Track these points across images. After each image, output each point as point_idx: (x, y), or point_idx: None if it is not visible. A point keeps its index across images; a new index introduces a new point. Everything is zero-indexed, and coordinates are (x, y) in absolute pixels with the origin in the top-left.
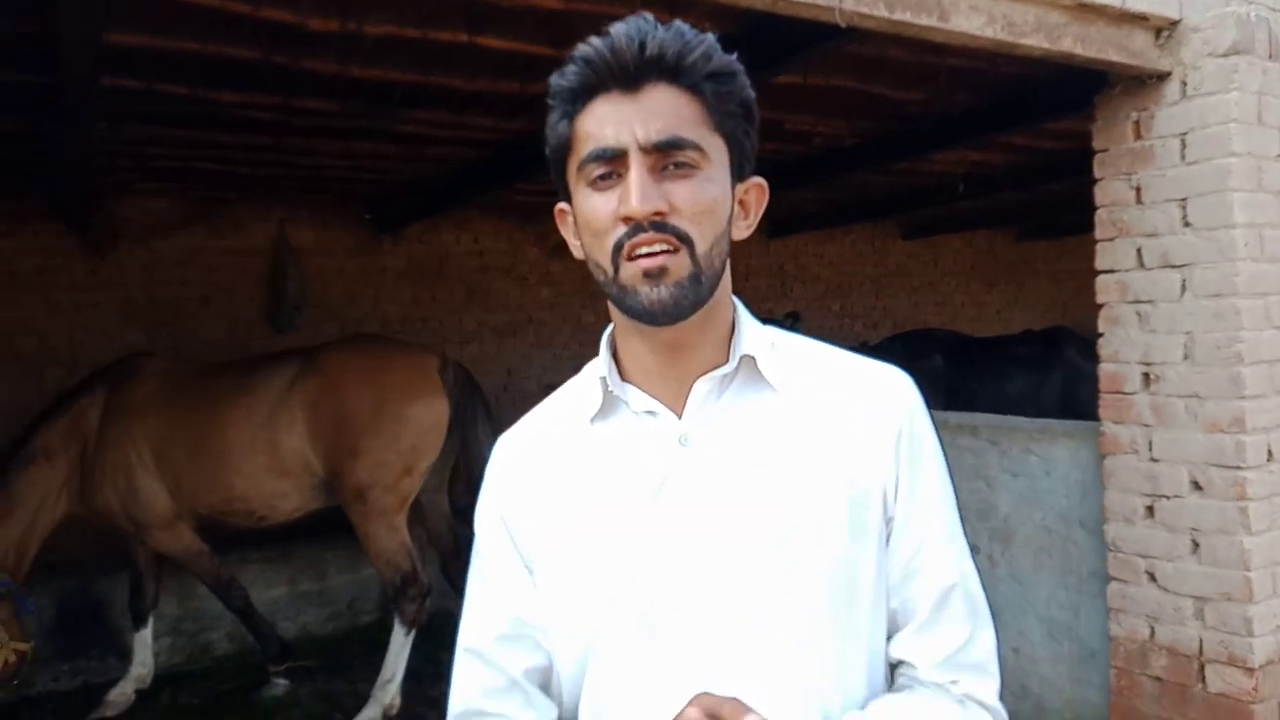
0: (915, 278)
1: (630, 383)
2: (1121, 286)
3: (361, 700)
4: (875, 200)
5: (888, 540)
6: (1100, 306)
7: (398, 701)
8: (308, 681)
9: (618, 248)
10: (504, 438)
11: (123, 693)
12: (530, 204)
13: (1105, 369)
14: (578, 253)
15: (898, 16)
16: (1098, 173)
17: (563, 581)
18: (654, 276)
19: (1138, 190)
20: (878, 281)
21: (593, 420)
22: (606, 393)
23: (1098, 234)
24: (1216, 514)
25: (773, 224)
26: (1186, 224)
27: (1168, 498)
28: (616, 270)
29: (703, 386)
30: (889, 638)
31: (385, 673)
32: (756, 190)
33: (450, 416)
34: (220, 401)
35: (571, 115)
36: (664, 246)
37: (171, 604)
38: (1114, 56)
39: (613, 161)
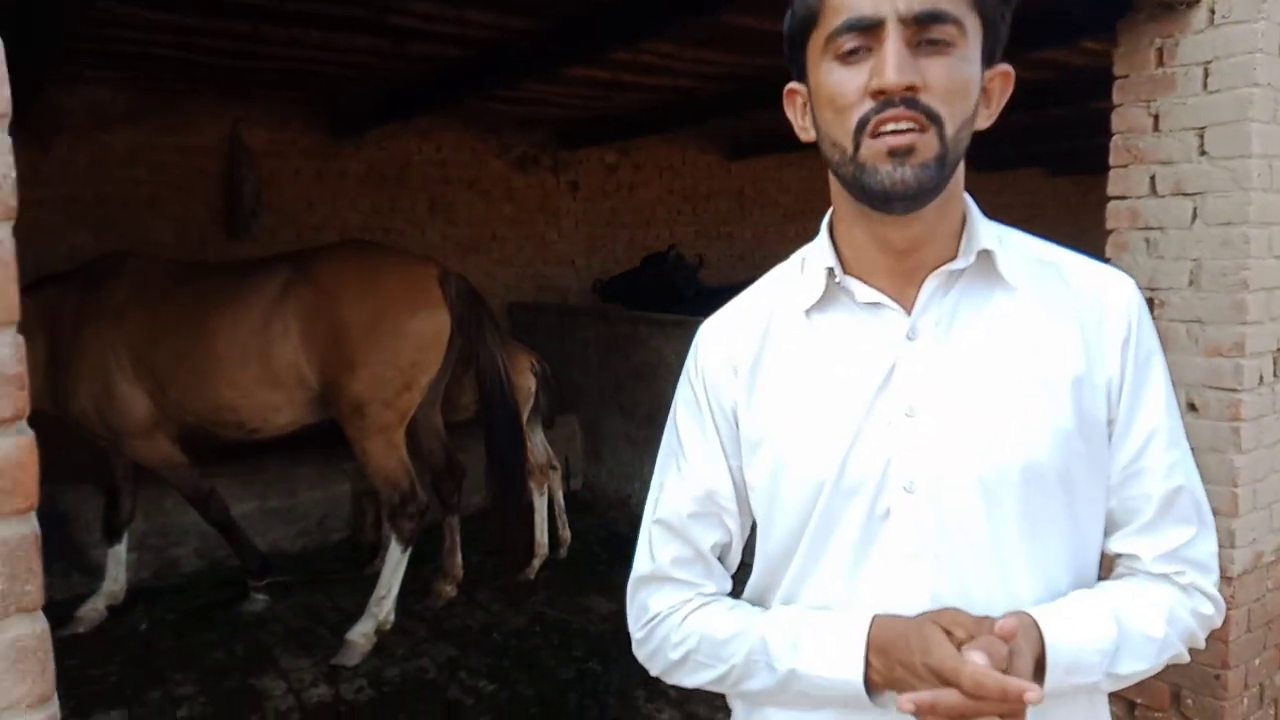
0: None
1: (850, 274)
2: (1132, 213)
3: (343, 614)
4: None
5: (1109, 440)
6: (1109, 233)
7: (391, 617)
8: (286, 597)
9: (862, 124)
10: (710, 322)
11: (94, 608)
12: (496, 113)
13: None
14: (804, 135)
15: None
16: (1116, 99)
17: (783, 465)
18: (899, 155)
19: (1156, 118)
20: None
21: (809, 311)
22: (831, 282)
23: (1111, 160)
24: (1210, 433)
25: (733, 146)
26: (1203, 152)
27: None
28: (857, 148)
29: (934, 280)
30: (1107, 536)
31: (380, 589)
32: (1001, 79)
33: (451, 330)
34: (208, 306)
35: None
36: (912, 125)
37: (137, 519)
38: None
39: (867, 33)
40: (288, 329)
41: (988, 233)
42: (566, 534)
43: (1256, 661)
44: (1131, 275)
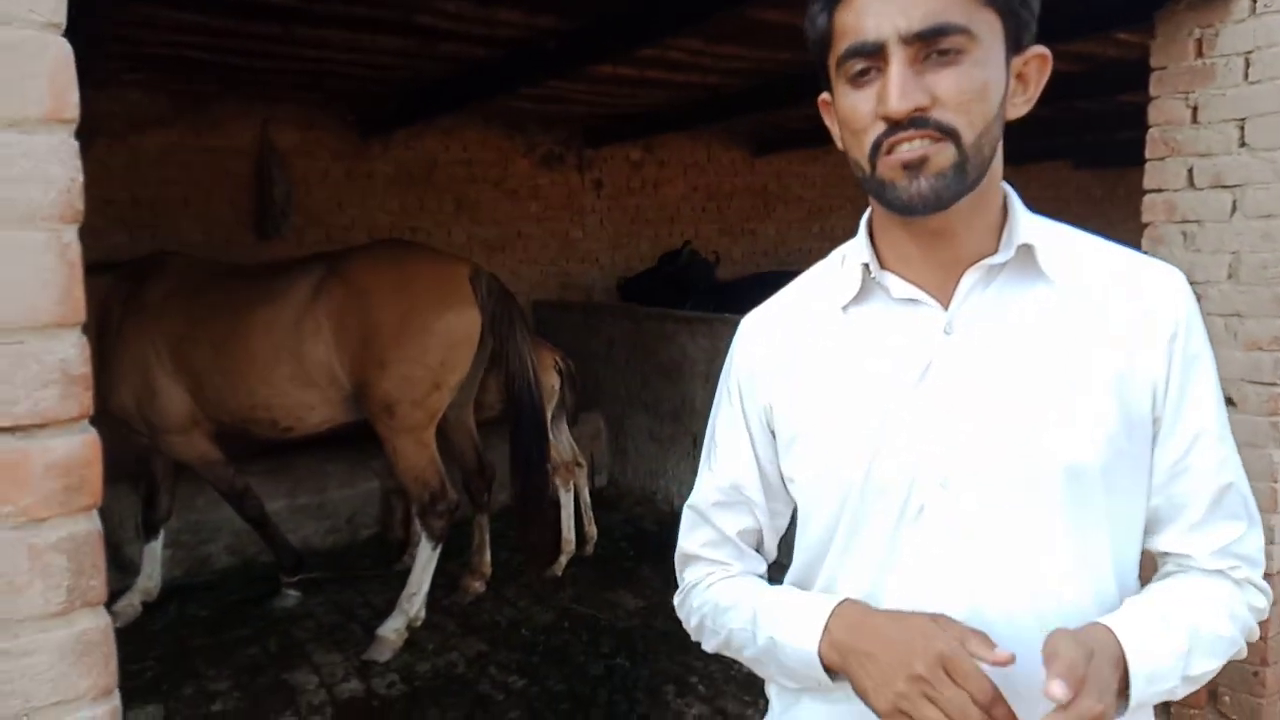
0: None
1: (888, 270)
2: (1169, 206)
3: (375, 611)
4: None
5: (1154, 437)
6: (1145, 226)
7: (422, 614)
8: (317, 593)
9: (876, 146)
10: (750, 318)
11: (129, 604)
12: (521, 111)
13: None
14: (840, 144)
15: None
16: (1153, 91)
17: (816, 457)
18: (913, 168)
19: (1194, 109)
20: (858, 204)
21: (846, 307)
22: (867, 278)
23: (1148, 153)
24: (1249, 428)
25: (757, 142)
26: (1243, 144)
27: None
28: (874, 167)
29: (972, 275)
30: (1151, 534)
31: (411, 586)
32: (1038, 62)
33: (482, 329)
34: (244, 305)
35: (831, 7)
36: (925, 142)
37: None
38: None
39: (872, 56)
40: (320, 327)
41: (1030, 226)
42: (593, 530)
43: None
44: None
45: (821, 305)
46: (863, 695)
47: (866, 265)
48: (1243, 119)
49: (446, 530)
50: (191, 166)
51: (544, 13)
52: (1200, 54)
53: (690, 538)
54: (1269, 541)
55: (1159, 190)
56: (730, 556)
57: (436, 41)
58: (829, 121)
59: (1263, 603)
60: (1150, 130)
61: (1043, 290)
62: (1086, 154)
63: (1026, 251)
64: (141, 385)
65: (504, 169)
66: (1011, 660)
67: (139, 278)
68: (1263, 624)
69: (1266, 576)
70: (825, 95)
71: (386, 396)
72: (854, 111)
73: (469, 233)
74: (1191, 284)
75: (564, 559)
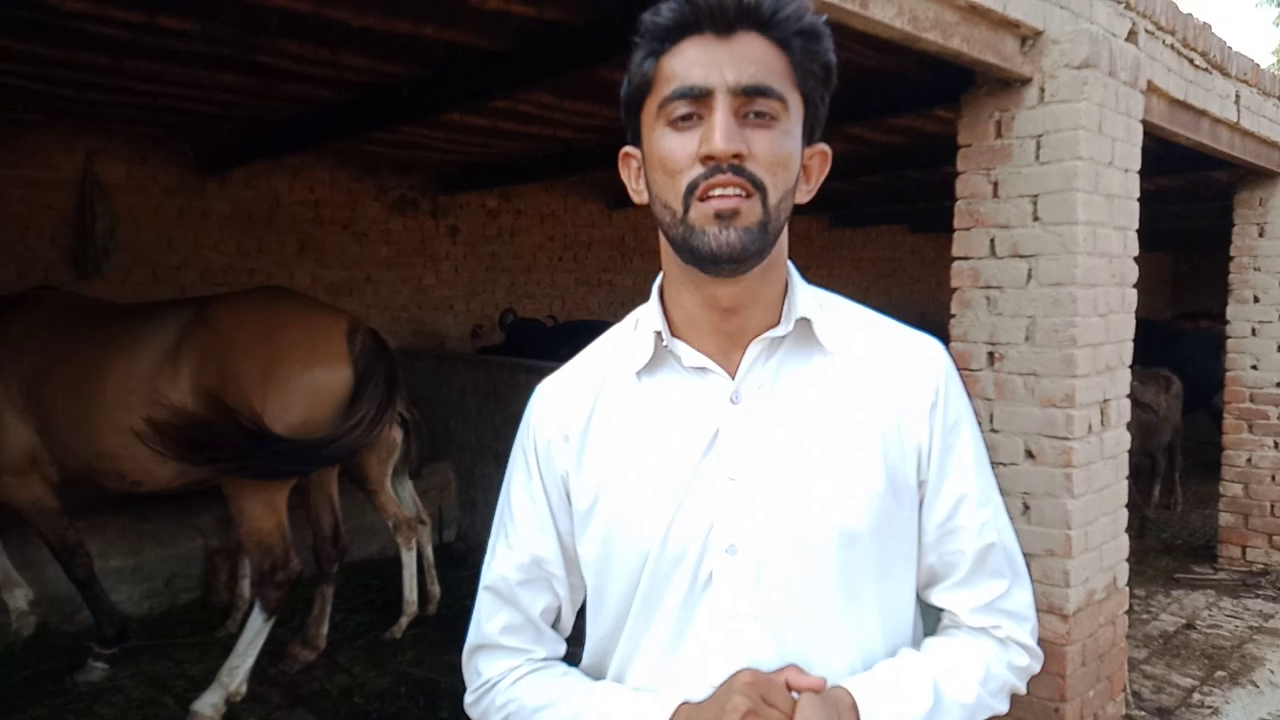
0: None
1: (679, 338)
2: (974, 273)
3: (192, 683)
4: None
5: (921, 500)
6: (953, 290)
7: (244, 688)
8: (128, 664)
9: (691, 188)
10: (543, 386)
11: None
12: (373, 154)
13: (955, 348)
14: (637, 198)
15: None
16: (960, 166)
17: (612, 531)
18: (725, 218)
19: (995, 185)
20: None
21: (639, 373)
22: (659, 346)
23: (956, 224)
24: (1046, 480)
25: (614, 196)
26: (1036, 218)
27: (1004, 465)
28: (686, 210)
29: (756, 346)
30: (928, 589)
31: (234, 658)
32: (820, 157)
33: (353, 388)
34: (105, 346)
35: (659, 54)
36: (738, 190)
37: None
38: (990, 58)
39: (697, 101)
40: (178, 374)
41: (808, 300)
42: (436, 590)
43: (1091, 694)
44: (974, 331)
45: (616, 372)
46: None
47: (659, 333)
48: (1035, 195)
49: (282, 602)
50: (5, 199)
51: (391, 59)
52: (1000, 134)
53: (491, 622)
54: (1065, 584)
55: (966, 258)
56: (530, 641)
57: (280, 81)
58: (626, 175)
59: (1025, 660)
60: (958, 202)
61: (820, 361)
62: (920, 220)
63: (805, 325)
64: None
65: (353, 211)
66: (824, 684)
67: (6, 311)
68: (1060, 661)
69: (1065, 617)
70: (629, 149)
71: None
72: (672, 153)
73: (313, 275)
74: (994, 345)
75: (404, 620)
